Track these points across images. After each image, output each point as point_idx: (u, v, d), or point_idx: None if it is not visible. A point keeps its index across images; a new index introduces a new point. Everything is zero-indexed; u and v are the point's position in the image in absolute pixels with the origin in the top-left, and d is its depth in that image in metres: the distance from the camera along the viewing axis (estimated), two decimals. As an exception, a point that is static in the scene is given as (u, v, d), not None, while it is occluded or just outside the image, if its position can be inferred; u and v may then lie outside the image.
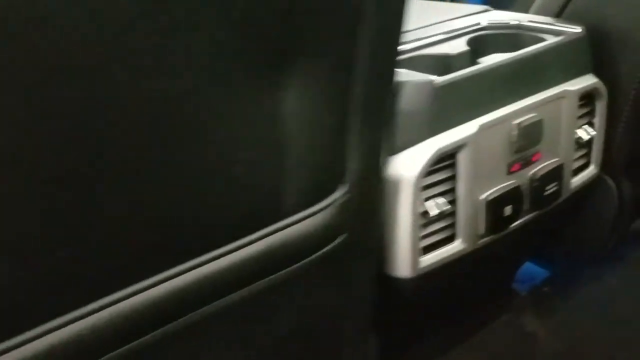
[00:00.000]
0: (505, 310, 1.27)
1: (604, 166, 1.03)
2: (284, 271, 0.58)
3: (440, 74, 0.76)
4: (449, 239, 0.81)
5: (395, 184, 0.73)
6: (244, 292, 0.56)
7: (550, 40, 0.86)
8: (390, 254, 0.77)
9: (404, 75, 0.75)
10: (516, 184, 0.83)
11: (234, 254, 0.53)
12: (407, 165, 0.73)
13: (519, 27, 0.92)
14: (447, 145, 0.74)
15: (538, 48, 0.83)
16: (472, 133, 0.76)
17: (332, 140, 0.57)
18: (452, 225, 0.80)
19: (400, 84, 0.72)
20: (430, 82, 0.73)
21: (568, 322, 1.25)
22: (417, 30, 0.91)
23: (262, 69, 0.49)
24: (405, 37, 0.94)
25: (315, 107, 0.53)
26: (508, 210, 0.83)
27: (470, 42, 0.89)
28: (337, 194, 0.59)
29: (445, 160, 0.77)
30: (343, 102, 0.56)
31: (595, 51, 0.91)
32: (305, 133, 0.53)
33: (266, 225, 0.55)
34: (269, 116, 0.51)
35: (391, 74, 0.59)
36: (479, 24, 0.93)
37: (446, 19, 0.94)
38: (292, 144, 0.53)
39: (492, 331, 1.20)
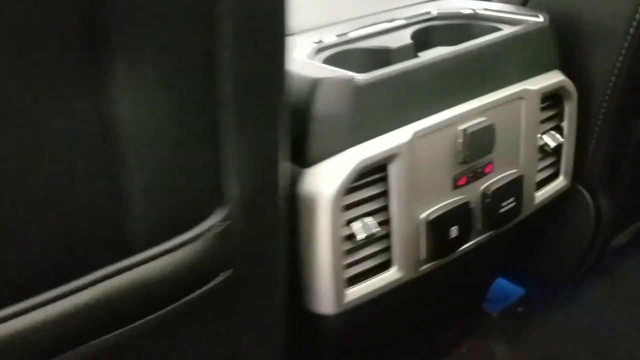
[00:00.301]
0: (471, 333, 1.15)
1: (578, 177, 0.90)
2: (142, 320, 0.46)
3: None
4: (384, 266, 0.68)
5: (310, 203, 0.61)
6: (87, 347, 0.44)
7: (506, 30, 0.73)
8: (308, 287, 0.64)
9: (321, 71, 0.63)
10: (464, 200, 0.70)
11: (57, 303, 0.41)
12: (324, 180, 0.60)
13: (472, 16, 0.79)
14: (374, 156, 0.61)
15: (490, 40, 0.70)
16: (405, 141, 0.63)
17: (193, 154, 0.44)
18: (387, 250, 0.68)
19: (315, 83, 0.60)
20: (352, 80, 0.60)
21: (543, 349, 1.12)
22: (353, 21, 0.78)
23: (72, 61, 0.37)
24: (335, 28, 0.83)
25: (160, 112, 0.41)
26: (454, 231, 0.70)
27: (415, 35, 0.76)
28: (212, 221, 0.47)
29: (375, 173, 0.64)
30: (205, 106, 0.43)
31: (563, 44, 0.79)
32: (147, 145, 0.41)
33: (103, 265, 0.43)
34: (92, 122, 0.39)
35: (277, 69, 0.46)
36: (428, 13, 0.80)
37: (390, 7, 0.81)
38: (132, 159, 0.41)
39: (455, 358, 1.07)
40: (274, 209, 0.52)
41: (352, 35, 0.75)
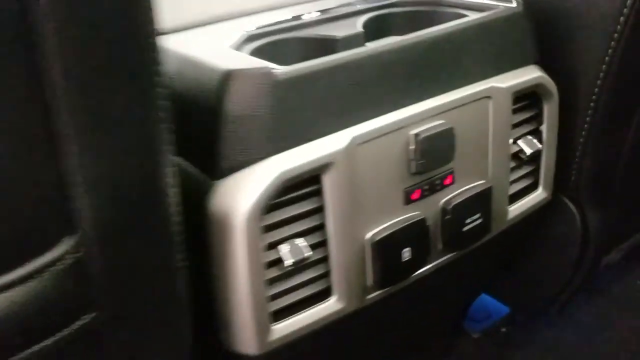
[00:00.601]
0: (450, 356, 1.04)
1: (563, 188, 0.79)
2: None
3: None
4: (323, 295, 0.58)
5: (222, 223, 0.50)
6: None
7: (472, 16, 0.62)
8: (225, 323, 0.54)
9: (239, 62, 0.52)
10: (419, 217, 0.60)
11: None
12: (238, 194, 0.50)
13: (436, 2, 0.68)
14: (299, 167, 0.51)
15: (450, 27, 0.59)
16: (340, 148, 0.53)
17: (20, 169, 0.34)
18: (326, 276, 0.58)
19: (227, 76, 0.49)
20: (270, 73, 0.49)
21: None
22: (300, 5, 0.67)
23: None
24: (276, 13, 0.70)
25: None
26: (407, 253, 0.60)
27: (368, 23, 0.66)
28: (59, 251, 0.37)
29: (307, 186, 0.54)
30: (29, 109, 0.33)
31: (542, 35, 0.68)
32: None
33: None
34: None
35: (141, 51, 0.36)
36: (387, -2, 0.70)
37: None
38: None
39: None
40: (159, 231, 0.42)
41: (293, 22, 0.64)
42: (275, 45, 0.61)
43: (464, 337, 1.09)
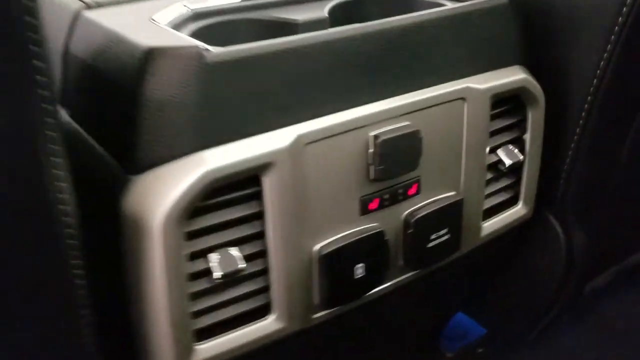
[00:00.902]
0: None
1: (548, 204, 0.72)
2: None
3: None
4: (261, 312, 0.51)
5: (136, 226, 0.43)
6: None
7: (449, 5, 0.55)
8: (143, 341, 0.47)
9: (165, 39, 0.45)
10: (376, 230, 0.52)
11: None
12: (156, 194, 0.43)
13: (413, -12, 0.61)
14: (231, 165, 0.44)
15: (422, 17, 0.52)
16: (283, 147, 0.45)
17: None
18: (266, 291, 0.50)
19: (148, 54, 0.42)
20: (199, 53, 0.42)
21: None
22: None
23: None
24: None
25: None
26: (360, 269, 0.53)
27: (336, 8, 0.59)
28: None
29: (246, 188, 0.47)
30: None
31: (530, 32, 0.61)
32: None
33: None
34: None
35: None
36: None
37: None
38: None
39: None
40: (43, 239, 0.35)
41: (250, 1, 0.57)
42: (225, 27, 0.54)
43: (437, 357, 1.02)
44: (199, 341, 0.48)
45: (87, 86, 0.46)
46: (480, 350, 1.03)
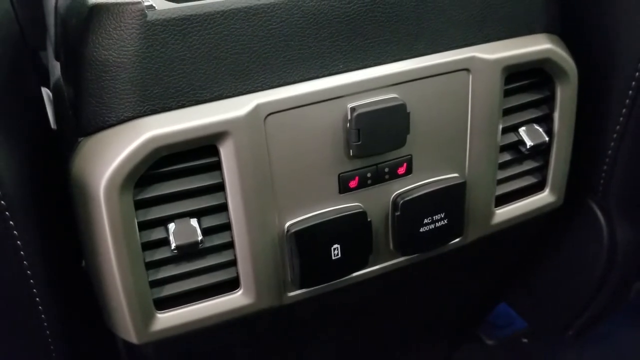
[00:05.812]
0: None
1: (591, 191, 0.64)
2: None
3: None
4: (231, 286, 0.49)
5: (83, 190, 0.42)
6: None
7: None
8: (106, 306, 0.46)
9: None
10: (357, 210, 0.48)
11: None
12: (98, 159, 0.41)
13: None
14: (179, 132, 0.41)
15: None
16: (239, 115, 0.42)
17: None
18: (233, 265, 0.48)
19: (93, 10, 0.40)
20: (141, 10, 0.39)
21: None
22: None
23: None
24: None
25: None
26: (337, 250, 0.49)
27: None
28: None
29: (205, 157, 0.44)
30: None
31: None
32: None
33: None
34: None
35: None
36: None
37: None
38: None
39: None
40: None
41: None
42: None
43: (475, 345, 0.96)
44: (162, 310, 0.46)
45: (60, 42, 0.45)
46: (525, 340, 0.96)
